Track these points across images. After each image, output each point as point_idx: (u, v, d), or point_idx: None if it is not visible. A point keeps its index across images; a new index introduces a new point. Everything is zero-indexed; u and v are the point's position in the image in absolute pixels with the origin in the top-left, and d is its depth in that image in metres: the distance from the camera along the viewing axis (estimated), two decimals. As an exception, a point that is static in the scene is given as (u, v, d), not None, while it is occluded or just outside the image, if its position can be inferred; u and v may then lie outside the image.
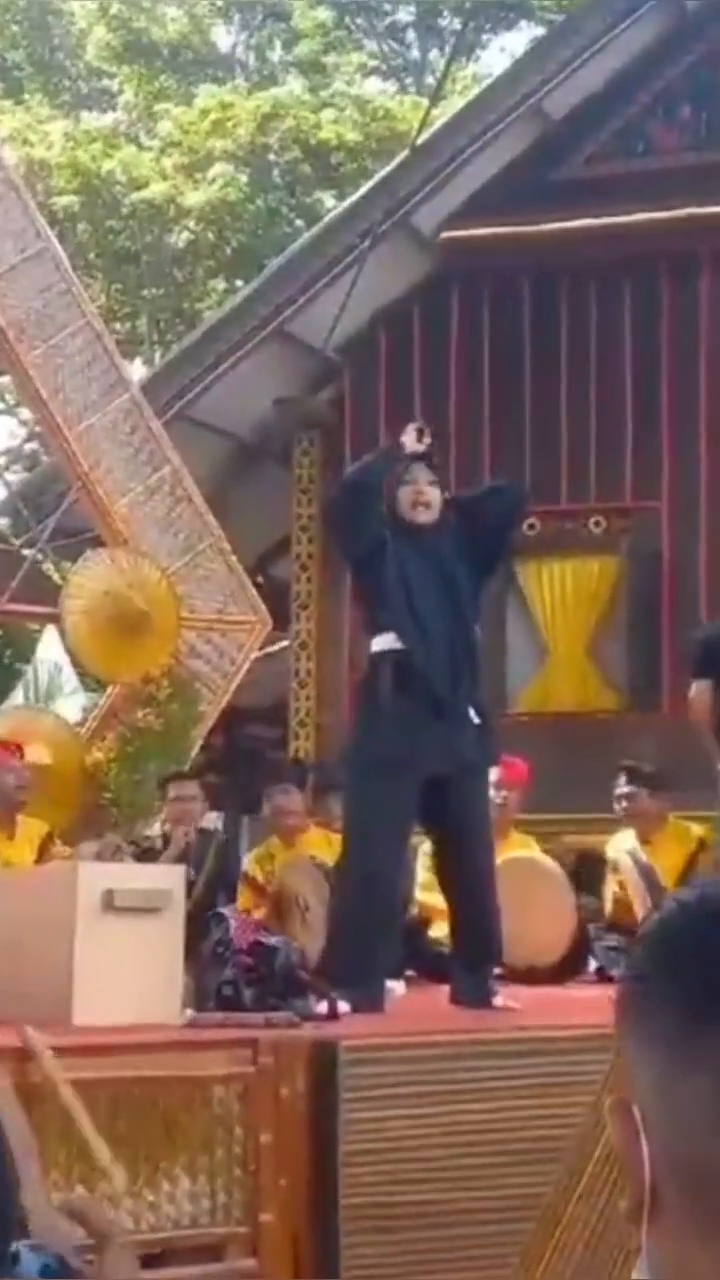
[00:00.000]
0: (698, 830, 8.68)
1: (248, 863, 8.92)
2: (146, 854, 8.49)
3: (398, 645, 6.40)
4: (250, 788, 13.96)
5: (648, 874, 8.38)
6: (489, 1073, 4.98)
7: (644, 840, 8.70)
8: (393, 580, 6.43)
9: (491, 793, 8.21)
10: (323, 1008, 5.59)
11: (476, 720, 6.42)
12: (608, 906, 8.82)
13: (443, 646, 6.39)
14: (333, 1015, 5.55)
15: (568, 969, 8.23)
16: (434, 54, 25.29)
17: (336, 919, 6.51)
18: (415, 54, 26.05)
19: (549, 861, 8.75)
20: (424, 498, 6.53)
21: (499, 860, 8.15)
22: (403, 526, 6.53)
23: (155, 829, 9.22)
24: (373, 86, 24.54)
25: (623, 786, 8.85)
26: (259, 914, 8.36)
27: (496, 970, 6.65)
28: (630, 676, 12.54)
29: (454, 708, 6.34)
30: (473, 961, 6.41)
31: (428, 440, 6.71)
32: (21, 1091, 4.36)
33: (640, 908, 8.20)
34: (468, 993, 6.26)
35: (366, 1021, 5.64)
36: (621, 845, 8.80)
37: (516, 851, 8.72)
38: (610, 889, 8.82)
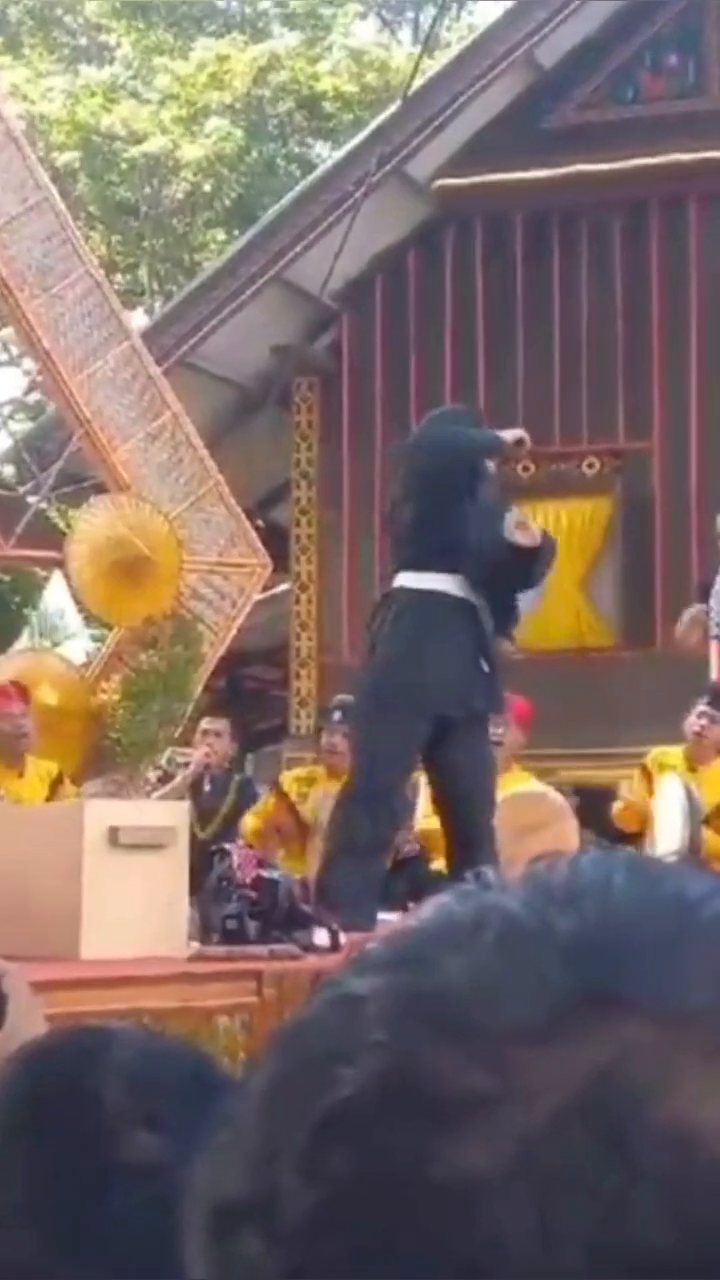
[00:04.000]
0: None
1: (285, 777, 9.00)
2: (166, 778, 8.62)
3: (456, 592, 6.42)
4: (252, 727, 13.98)
5: (690, 799, 8.19)
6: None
7: (692, 766, 8.55)
8: (473, 530, 6.45)
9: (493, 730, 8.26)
10: (325, 939, 5.58)
11: (486, 669, 6.42)
12: (618, 804, 8.72)
13: (480, 595, 6.47)
14: (335, 946, 5.54)
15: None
16: (427, 4, 25.04)
17: (336, 835, 6.56)
18: (408, 2, 25.81)
19: (555, 794, 8.70)
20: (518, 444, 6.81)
21: (505, 794, 8.16)
22: (491, 496, 6.69)
23: (164, 760, 9.30)
24: (367, 36, 24.32)
25: (702, 704, 8.58)
26: (266, 817, 8.42)
27: None
28: (624, 614, 12.53)
29: (474, 657, 6.36)
30: None
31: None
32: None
33: (669, 827, 8.08)
34: None
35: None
36: (668, 760, 8.65)
37: (523, 785, 8.68)
38: (628, 796, 8.70)
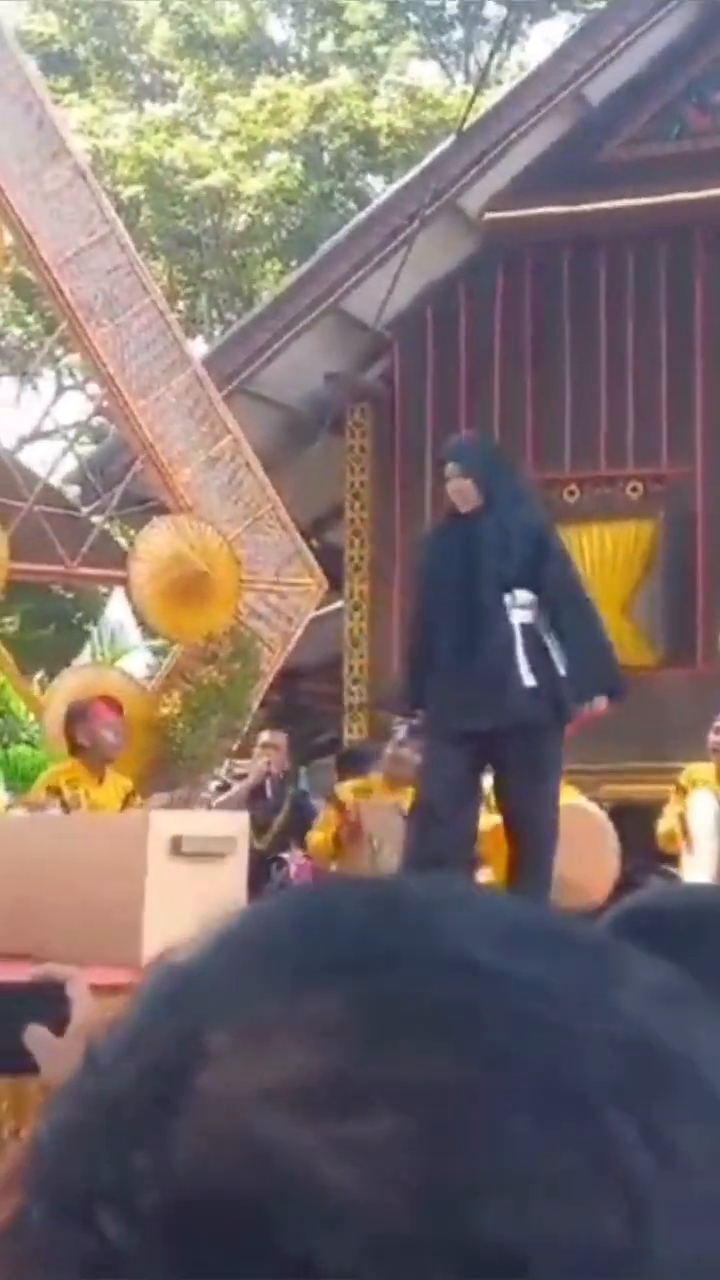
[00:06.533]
0: None
1: (341, 789, 9.05)
2: (225, 788, 8.71)
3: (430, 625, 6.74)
4: (307, 741, 14.00)
5: None
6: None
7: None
8: (426, 572, 6.93)
9: None
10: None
11: (531, 683, 6.44)
12: (662, 827, 8.72)
13: (460, 623, 6.52)
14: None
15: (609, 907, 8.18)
16: (480, 44, 25.10)
17: (405, 851, 6.69)
18: (461, 43, 25.87)
19: (594, 809, 8.69)
20: (453, 490, 6.83)
21: None
22: (451, 511, 6.91)
23: (223, 771, 9.37)
24: (421, 75, 24.40)
25: None
26: (322, 835, 8.48)
27: None
28: (666, 634, 12.49)
29: (483, 675, 6.39)
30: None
31: None
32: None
33: (708, 841, 8.07)
34: None
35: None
36: (700, 776, 8.64)
37: (566, 799, 8.67)
38: (672, 814, 8.69)
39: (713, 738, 8.60)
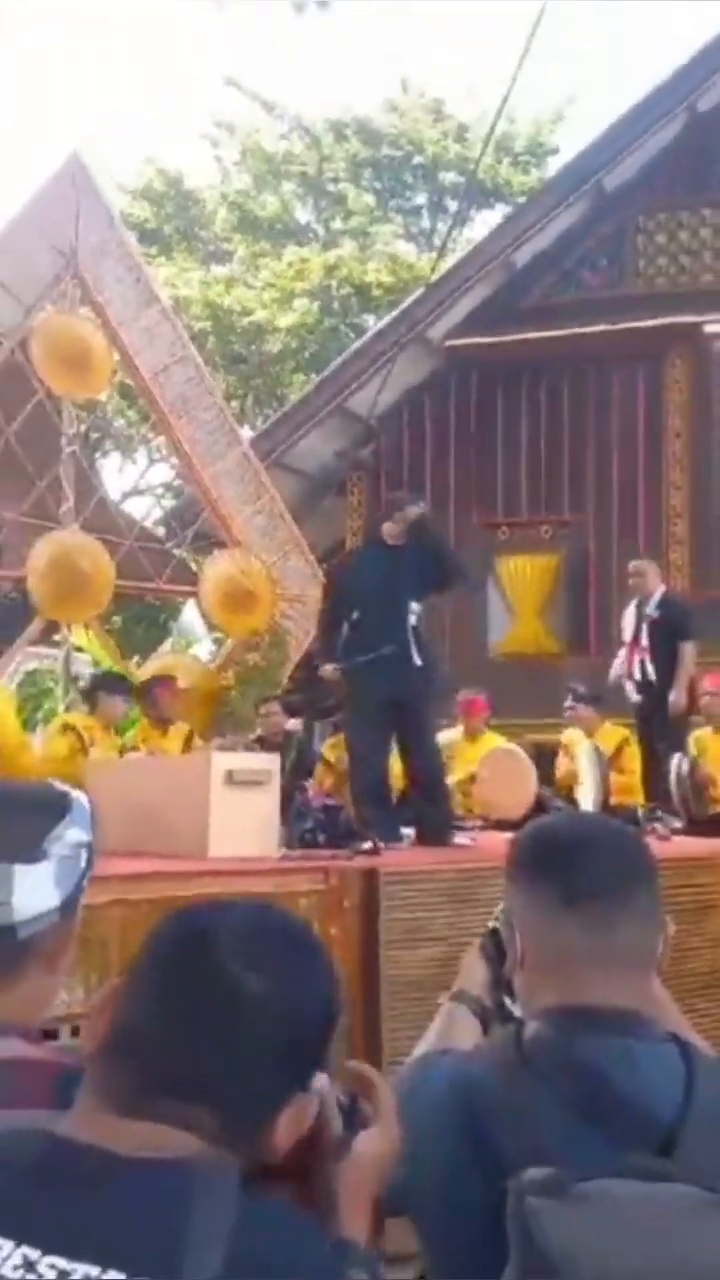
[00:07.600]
0: (624, 730, 8.55)
1: (324, 749, 8.99)
2: (250, 747, 8.65)
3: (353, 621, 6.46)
4: (321, 704, 13.96)
5: (599, 756, 8.23)
6: (471, 886, 4.98)
7: (589, 734, 8.55)
8: (356, 575, 6.57)
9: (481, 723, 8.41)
10: (369, 847, 5.60)
11: (419, 662, 6.36)
12: (558, 775, 8.73)
13: (379, 620, 6.34)
14: (376, 852, 5.56)
15: (528, 821, 8.16)
16: (441, 226, 25.03)
17: (351, 784, 6.59)
18: (427, 223, 25.79)
19: (521, 752, 8.68)
20: (389, 530, 6.59)
21: (490, 749, 8.16)
22: (378, 540, 6.63)
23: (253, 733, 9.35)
24: (400, 247, 24.33)
25: (570, 701, 8.72)
26: (327, 783, 8.42)
27: (462, 825, 6.58)
28: (568, 632, 12.51)
29: (394, 658, 6.28)
30: (433, 820, 6.36)
31: None
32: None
33: (590, 778, 8.08)
34: (433, 837, 6.22)
35: (396, 855, 5.64)
36: (574, 736, 8.69)
37: (498, 744, 8.66)
38: (561, 765, 8.72)
39: (568, 713, 8.69)
